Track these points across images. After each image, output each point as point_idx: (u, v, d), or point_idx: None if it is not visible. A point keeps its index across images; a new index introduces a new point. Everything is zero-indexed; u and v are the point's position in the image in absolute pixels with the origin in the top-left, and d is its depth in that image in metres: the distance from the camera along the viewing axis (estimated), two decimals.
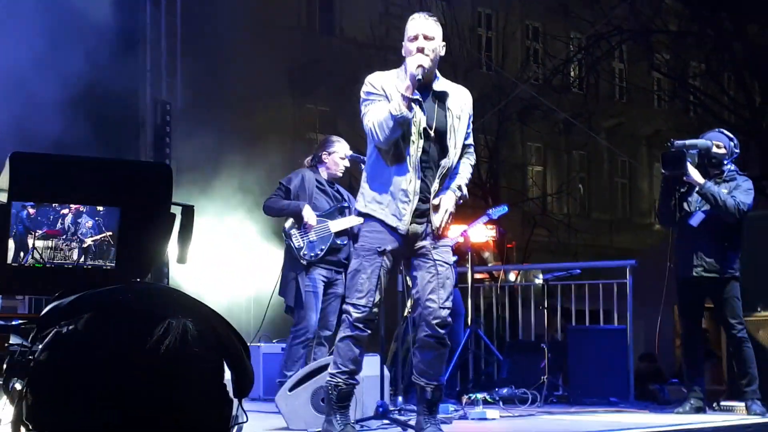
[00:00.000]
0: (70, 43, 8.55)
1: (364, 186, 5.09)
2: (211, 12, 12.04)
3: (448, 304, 5.03)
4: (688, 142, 6.99)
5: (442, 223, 4.99)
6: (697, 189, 6.88)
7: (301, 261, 7.07)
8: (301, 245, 7.08)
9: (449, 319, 5.06)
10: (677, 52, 20.09)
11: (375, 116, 4.92)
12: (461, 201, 5.15)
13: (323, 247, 7.11)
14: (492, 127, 20.77)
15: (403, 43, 5.06)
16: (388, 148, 4.95)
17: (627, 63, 24.74)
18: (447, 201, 5.04)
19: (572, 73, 22.95)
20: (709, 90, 20.62)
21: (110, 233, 2.95)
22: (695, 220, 6.94)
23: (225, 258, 10.02)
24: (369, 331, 5.04)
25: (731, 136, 7.13)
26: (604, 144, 21.64)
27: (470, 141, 5.31)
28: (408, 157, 4.98)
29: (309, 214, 7.06)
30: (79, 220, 2.95)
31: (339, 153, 7.28)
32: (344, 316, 5.02)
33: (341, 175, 7.39)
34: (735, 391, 7.31)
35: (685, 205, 7.01)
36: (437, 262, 5.02)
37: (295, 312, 7.13)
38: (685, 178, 6.88)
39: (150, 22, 12.46)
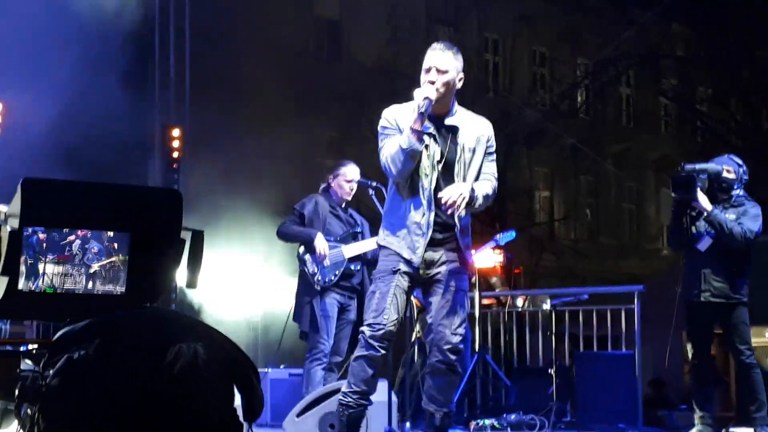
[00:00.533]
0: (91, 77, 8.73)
1: (384, 220, 5.19)
2: (219, 38, 12.10)
3: (461, 330, 5.05)
4: (698, 166, 6.98)
5: (452, 197, 4.91)
6: (704, 215, 6.87)
7: (315, 286, 7.08)
8: (315, 271, 7.09)
9: (461, 345, 5.06)
10: (684, 78, 20.13)
11: (388, 150, 4.98)
12: (470, 201, 5.06)
13: (337, 272, 7.12)
14: (499, 151, 20.68)
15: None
16: (404, 181, 5.01)
17: (634, 88, 24.79)
18: (461, 185, 5.03)
19: (579, 99, 22.99)
20: (716, 115, 20.64)
21: (118, 258, 2.96)
22: (703, 245, 6.93)
23: (232, 282, 10.03)
24: (384, 351, 5.00)
25: (740, 162, 7.12)
26: (611, 169, 21.63)
27: (490, 170, 5.32)
28: (422, 190, 5.01)
29: (321, 244, 7.08)
30: (87, 246, 2.96)
31: (344, 176, 7.31)
32: (360, 336, 5.03)
33: (349, 198, 7.41)
34: (743, 417, 7.28)
35: (693, 228, 7.00)
36: (451, 288, 5.03)
37: (310, 337, 7.12)
38: (693, 204, 6.88)
39: (158, 47, 12.54)
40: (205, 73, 12.31)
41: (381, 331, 4.96)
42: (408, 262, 5.01)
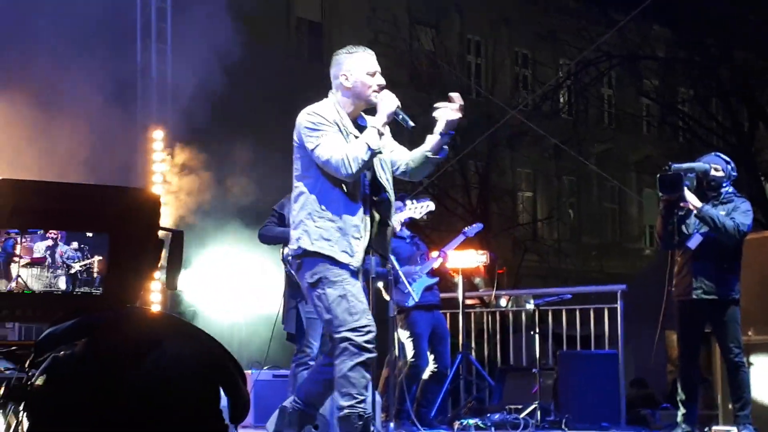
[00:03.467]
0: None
1: (307, 223, 4.93)
2: (200, 37, 12.07)
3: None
4: (685, 165, 7.00)
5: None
6: (695, 212, 6.88)
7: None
8: None
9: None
10: (665, 78, 20.22)
11: (345, 148, 4.85)
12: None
13: None
14: (482, 153, 20.82)
15: (349, 72, 5.02)
16: (353, 180, 4.90)
17: (615, 89, 24.88)
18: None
19: (561, 100, 23.05)
20: (697, 115, 20.74)
21: (97, 259, 2.94)
22: (693, 243, 6.94)
23: (220, 284, 10.02)
24: (375, 352, 4.92)
25: (728, 159, 7.14)
26: (593, 169, 21.69)
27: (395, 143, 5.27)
28: (360, 193, 4.97)
29: None
30: (64, 247, 2.94)
31: None
32: (345, 344, 4.82)
33: None
34: (727, 415, 7.30)
35: (683, 227, 7.01)
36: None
37: (297, 339, 7.07)
38: (681, 203, 6.89)
39: (141, 50, 12.49)
40: (187, 73, 12.26)
41: (371, 333, 4.86)
42: (344, 266, 4.90)
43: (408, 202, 7.80)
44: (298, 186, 5.03)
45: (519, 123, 17.38)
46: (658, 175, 6.95)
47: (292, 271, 7.07)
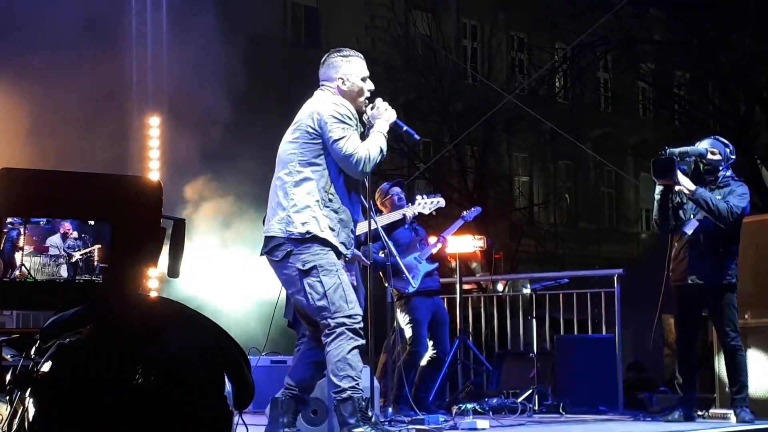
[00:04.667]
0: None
1: (315, 210, 4.99)
2: (195, 24, 12.05)
3: None
4: (681, 149, 7.00)
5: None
6: (688, 195, 6.89)
7: None
8: None
9: None
10: (662, 62, 20.19)
11: (367, 147, 5.03)
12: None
13: None
14: (478, 137, 20.81)
15: (347, 76, 5.19)
16: (359, 178, 5.13)
17: (612, 73, 24.85)
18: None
19: (558, 84, 23.01)
20: (694, 99, 20.72)
21: (98, 247, 2.95)
22: (689, 228, 6.96)
23: (220, 272, 10.03)
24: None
25: (727, 142, 7.14)
26: (590, 154, 21.69)
27: None
28: (358, 190, 5.21)
29: None
30: (66, 235, 2.95)
31: None
32: (342, 329, 4.91)
33: None
34: (724, 398, 7.34)
35: (680, 212, 7.02)
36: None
37: (297, 327, 7.07)
38: (675, 187, 6.90)
39: (135, 36, 12.47)
40: (182, 60, 12.24)
41: (361, 322, 5.00)
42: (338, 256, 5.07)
43: (419, 197, 7.81)
44: (303, 171, 5.05)
45: (515, 107, 17.37)
46: (652, 160, 6.97)
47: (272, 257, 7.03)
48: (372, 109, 5.21)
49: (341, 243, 5.03)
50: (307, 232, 4.96)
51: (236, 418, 1.69)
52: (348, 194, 5.10)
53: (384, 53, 19.55)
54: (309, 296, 4.97)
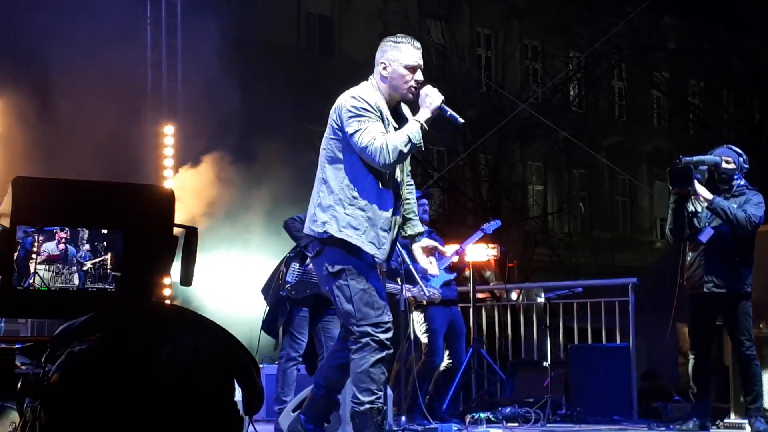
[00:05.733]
0: None
1: (336, 209, 4.83)
2: (210, 32, 12.09)
3: None
4: (696, 158, 6.98)
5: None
6: (706, 205, 6.87)
7: (281, 291, 6.97)
8: (291, 281, 6.98)
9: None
10: (676, 70, 20.15)
11: (386, 137, 4.79)
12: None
13: (309, 291, 6.95)
14: (492, 146, 20.80)
15: (390, 61, 4.95)
16: (387, 171, 4.84)
17: (626, 81, 24.80)
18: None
19: (572, 92, 22.99)
20: (708, 107, 20.66)
21: (111, 256, 2.96)
22: (704, 236, 6.93)
23: (229, 279, 10.04)
24: (392, 348, 4.92)
25: (740, 151, 7.12)
26: (604, 162, 21.65)
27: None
28: (394, 186, 4.94)
29: None
30: (78, 244, 2.96)
31: None
32: (366, 339, 4.78)
33: None
34: (739, 408, 7.30)
35: (695, 221, 7.00)
36: None
37: (284, 337, 7.03)
38: (693, 196, 6.88)
39: (150, 45, 12.52)
40: (197, 68, 12.29)
41: (390, 330, 4.85)
42: (365, 257, 4.87)
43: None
44: (328, 169, 4.91)
45: (529, 116, 17.36)
46: (668, 169, 6.94)
47: (285, 273, 6.96)
48: (420, 97, 4.93)
49: (369, 242, 4.82)
50: (324, 232, 4.85)
51: (247, 424, 1.69)
52: (378, 190, 4.85)
53: None
54: (337, 299, 4.86)
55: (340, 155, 4.89)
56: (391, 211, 4.91)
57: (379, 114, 4.88)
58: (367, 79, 5.05)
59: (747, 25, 17.80)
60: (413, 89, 4.95)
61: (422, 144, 4.86)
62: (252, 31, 17.32)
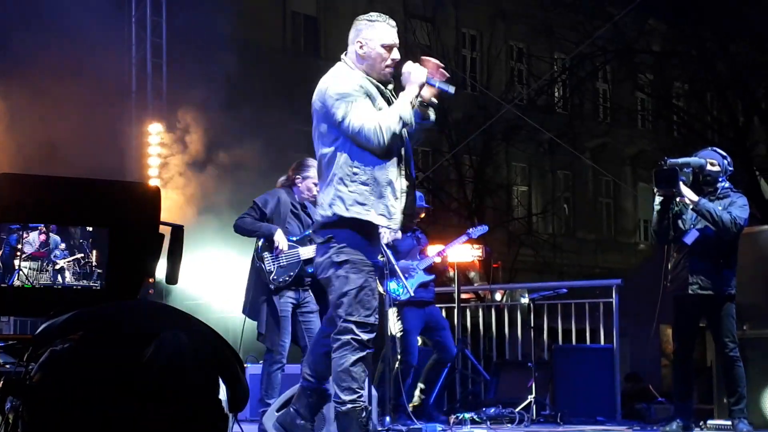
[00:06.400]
0: None
1: (340, 188, 4.80)
2: (196, 33, 12.06)
3: None
4: (681, 160, 7.00)
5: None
6: (691, 206, 6.89)
7: (270, 285, 6.95)
8: (272, 269, 6.93)
9: None
10: (661, 73, 20.21)
11: (377, 118, 4.75)
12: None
13: (292, 273, 6.94)
14: (477, 147, 20.82)
15: (366, 40, 4.89)
16: (382, 151, 4.79)
17: (611, 83, 24.87)
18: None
19: (556, 94, 23.03)
20: (692, 110, 20.73)
21: (95, 253, 2.94)
22: (689, 238, 6.95)
23: (212, 278, 10.02)
24: (374, 347, 4.91)
25: (725, 154, 7.15)
26: (588, 164, 21.71)
27: None
28: (396, 154, 4.88)
29: (281, 239, 6.90)
30: (64, 241, 2.95)
31: (314, 179, 7.12)
32: (348, 337, 4.77)
33: (313, 200, 7.25)
34: (722, 409, 7.33)
35: (679, 223, 7.01)
36: None
37: (268, 337, 6.98)
38: (678, 198, 6.90)
39: (135, 44, 12.49)
40: (182, 68, 12.26)
41: (374, 332, 4.85)
42: (375, 236, 4.87)
43: None
44: (326, 152, 4.87)
45: (514, 117, 17.39)
46: (653, 170, 6.95)
47: (263, 266, 6.93)
48: (402, 76, 4.88)
49: (380, 215, 4.80)
50: (334, 214, 4.80)
51: (232, 422, 1.69)
52: (379, 162, 4.80)
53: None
54: (332, 287, 4.82)
55: (332, 137, 4.85)
56: (395, 175, 4.87)
57: (363, 92, 4.84)
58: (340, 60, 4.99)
59: (732, 29, 17.86)
60: (390, 68, 4.91)
61: (413, 122, 4.83)
62: (238, 32, 17.28)
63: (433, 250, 8.53)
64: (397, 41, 4.93)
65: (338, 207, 4.80)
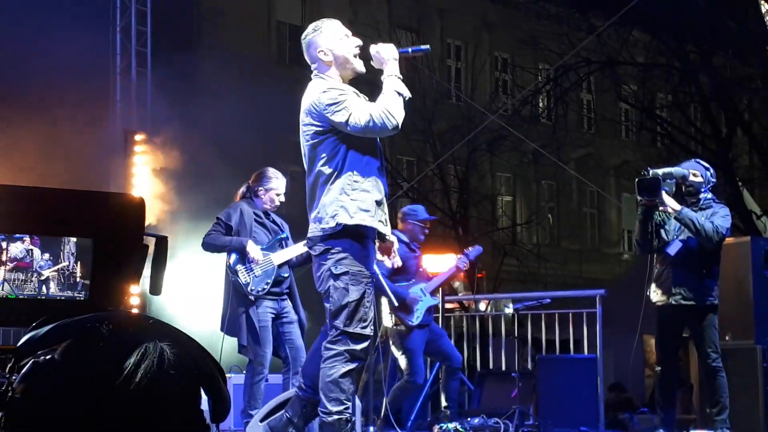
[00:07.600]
0: None
1: (342, 199, 4.80)
2: (181, 43, 12.06)
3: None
4: (664, 170, 7.04)
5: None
6: (674, 215, 6.92)
7: (249, 296, 6.94)
8: (248, 281, 6.93)
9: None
10: (644, 84, 20.31)
11: (379, 104, 4.78)
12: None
13: (269, 280, 6.95)
14: (462, 157, 20.86)
15: (326, 47, 4.95)
16: (397, 132, 4.85)
17: (595, 94, 24.96)
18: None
19: (541, 104, 23.11)
20: (676, 121, 20.84)
21: (78, 264, 2.94)
22: (672, 249, 6.98)
23: (195, 289, 9.99)
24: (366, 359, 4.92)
25: (708, 165, 7.20)
26: (572, 174, 21.77)
27: None
28: (380, 160, 4.95)
29: (254, 250, 6.91)
30: (37, 252, 2.95)
31: (276, 190, 7.14)
32: (341, 348, 4.76)
33: (274, 210, 7.26)
34: (704, 420, 7.35)
35: (662, 233, 7.05)
36: None
37: (250, 349, 6.97)
38: (661, 207, 6.93)
39: (120, 53, 12.47)
40: (168, 78, 12.25)
41: (369, 343, 4.83)
42: (371, 243, 4.88)
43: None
44: (324, 167, 4.86)
45: (499, 127, 17.44)
46: (636, 179, 6.99)
47: (239, 280, 6.92)
48: (373, 61, 4.94)
49: (379, 222, 4.85)
50: (337, 225, 4.78)
51: None
52: (375, 170, 4.86)
53: (368, 72, 19.56)
54: (331, 299, 4.81)
55: (330, 150, 4.86)
56: (381, 186, 4.91)
57: (351, 91, 4.89)
58: (311, 80, 5.02)
59: (715, 42, 17.97)
60: (358, 54, 4.97)
61: (409, 94, 4.88)
62: (223, 41, 17.29)
63: (429, 265, 8.51)
64: (348, 30, 5.03)
65: (342, 216, 4.79)
